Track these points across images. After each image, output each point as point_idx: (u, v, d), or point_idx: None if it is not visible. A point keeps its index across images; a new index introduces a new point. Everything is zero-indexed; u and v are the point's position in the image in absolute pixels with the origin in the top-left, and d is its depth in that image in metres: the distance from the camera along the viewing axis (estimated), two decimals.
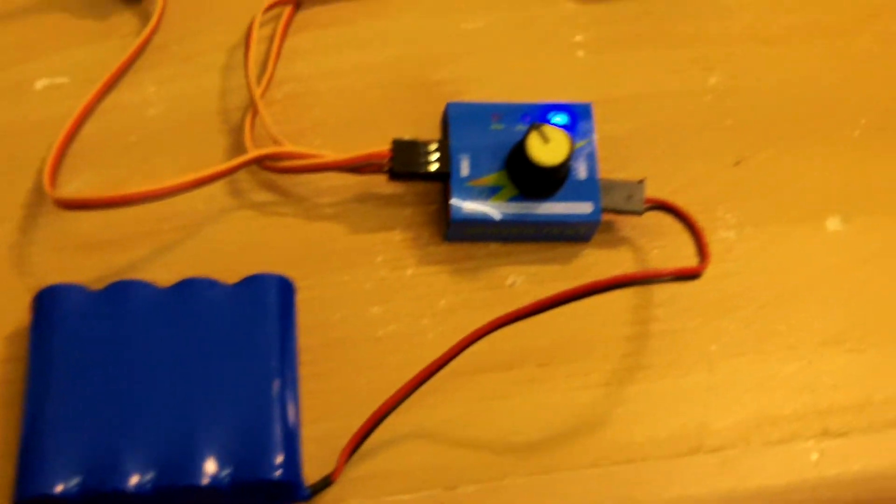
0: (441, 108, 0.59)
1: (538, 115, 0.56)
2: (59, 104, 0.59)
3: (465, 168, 0.55)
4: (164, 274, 0.54)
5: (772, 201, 0.60)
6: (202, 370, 0.50)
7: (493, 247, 0.57)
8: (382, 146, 0.56)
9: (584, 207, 0.55)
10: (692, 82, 0.63)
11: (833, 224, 0.59)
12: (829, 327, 0.57)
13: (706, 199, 0.59)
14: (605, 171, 0.58)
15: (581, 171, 0.56)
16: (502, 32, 0.64)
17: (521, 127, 0.56)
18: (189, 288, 0.52)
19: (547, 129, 0.54)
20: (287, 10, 0.63)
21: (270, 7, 0.62)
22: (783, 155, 0.61)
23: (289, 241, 0.56)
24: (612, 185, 0.56)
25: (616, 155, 0.59)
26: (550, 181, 0.54)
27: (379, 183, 0.57)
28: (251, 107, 0.58)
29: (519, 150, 0.54)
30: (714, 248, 0.57)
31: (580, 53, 0.63)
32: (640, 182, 0.56)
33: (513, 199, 0.55)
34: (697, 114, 0.62)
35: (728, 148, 0.61)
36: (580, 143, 0.56)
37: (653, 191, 0.57)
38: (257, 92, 0.58)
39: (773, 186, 0.60)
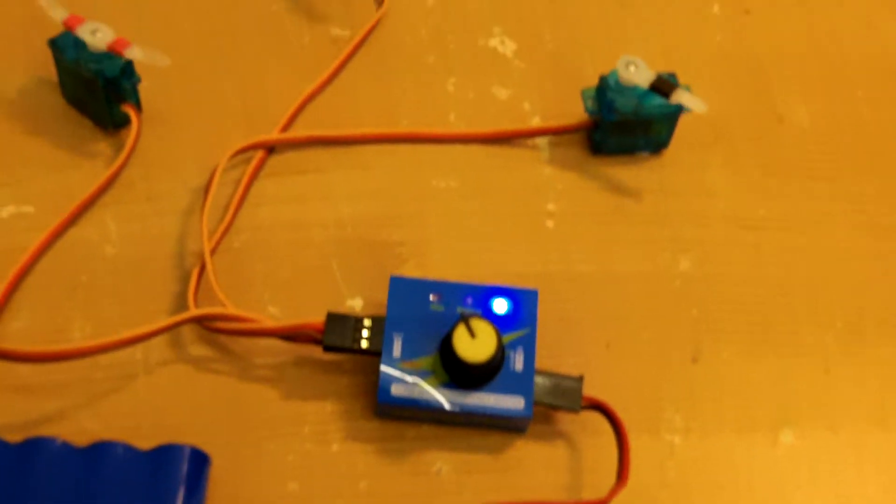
0: (396, 271, 0.59)
1: (481, 298, 0.55)
2: (22, 235, 0.59)
3: (397, 348, 0.54)
4: (90, 424, 0.54)
5: (725, 406, 0.57)
6: None
7: (425, 428, 0.56)
8: (323, 313, 0.55)
9: (515, 402, 0.53)
10: (664, 264, 0.61)
11: (786, 437, 0.57)
12: None
13: (656, 396, 0.57)
14: (554, 357, 0.56)
15: (517, 361, 0.54)
16: (473, 192, 0.62)
17: (462, 309, 0.55)
18: (102, 452, 0.52)
19: (476, 322, 0.52)
20: (259, 153, 0.62)
21: (239, 152, 0.62)
22: (745, 356, 0.58)
23: (219, 402, 0.56)
24: (548, 380, 0.54)
25: (568, 338, 0.58)
26: (477, 375, 0.53)
27: (317, 349, 0.57)
28: (200, 262, 0.58)
29: (447, 340, 0.53)
30: (654, 452, 0.55)
31: (550, 223, 0.62)
32: (579, 379, 0.54)
33: (444, 385, 0.54)
34: (663, 299, 0.60)
35: (688, 341, 0.59)
36: (518, 333, 0.54)
37: (602, 380, 0.55)
38: (208, 247, 0.58)
39: (728, 390, 0.57)
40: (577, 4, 0.70)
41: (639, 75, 0.61)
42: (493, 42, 0.68)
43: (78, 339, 0.57)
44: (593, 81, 0.66)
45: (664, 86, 0.60)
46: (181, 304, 0.58)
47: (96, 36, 0.59)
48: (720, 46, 0.69)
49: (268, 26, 0.68)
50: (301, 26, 0.68)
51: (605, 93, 0.61)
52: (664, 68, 0.65)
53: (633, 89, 0.61)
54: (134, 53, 0.59)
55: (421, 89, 0.66)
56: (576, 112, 0.64)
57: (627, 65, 0.61)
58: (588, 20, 0.69)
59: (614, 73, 0.61)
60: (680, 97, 0.60)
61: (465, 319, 0.52)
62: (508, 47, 0.68)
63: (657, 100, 0.61)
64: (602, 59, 0.68)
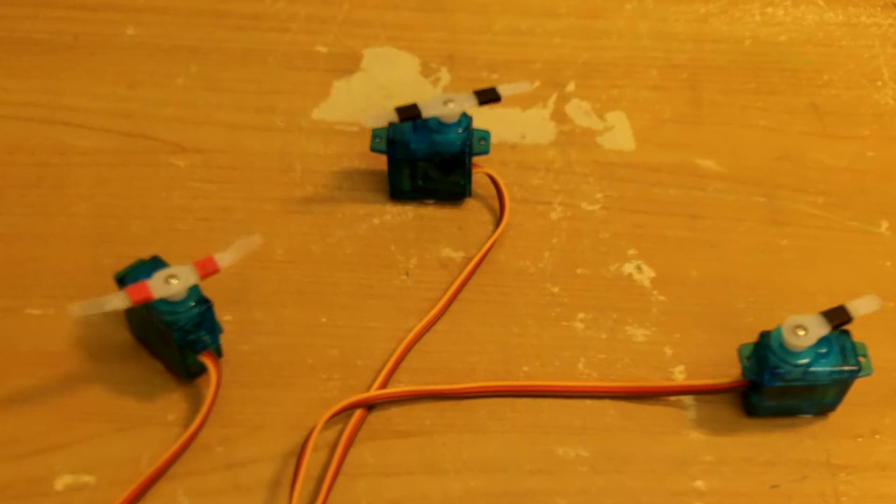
0: None
1: None
2: None
3: None
4: None
5: None
6: None
7: None
8: None
9: None
10: None
11: None
12: None
13: None
14: None
15: None
16: (606, 465, 0.53)
17: None
18: None
19: None
20: (357, 412, 0.54)
21: (337, 413, 0.53)
22: None
23: None
24: None
25: None
26: None
27: None
28: None
29: None
30: None
31: None
32: None
33: None
34: None
35: None
36: None
37: None
38: None
39: None
40: (725, 229, 0.61)
41: (809, 338, 0.51)
42: (629, 268, 0.59)
43: None
44: (745, 320, 0.57)
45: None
46: None
47: (171, 284, 0.51)
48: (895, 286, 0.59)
49: (370, 247, 0.59)
50: (408, 245, 0.59)
51: (767, 356, 0.52)
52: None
53: (800, 353, 0.51)
54: (225, 260, 0.51)
55: (544, 328, 0.57)
56: (726, 358, 0.55)
57: (796, 328, 0.51)
58: (737, 245, 0.60)
59: (778, 332, 0.52)
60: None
61: None
62: (646, 275, 0.59)
63: (828, 364, 0.51)
64: (758, 293, 0.58)
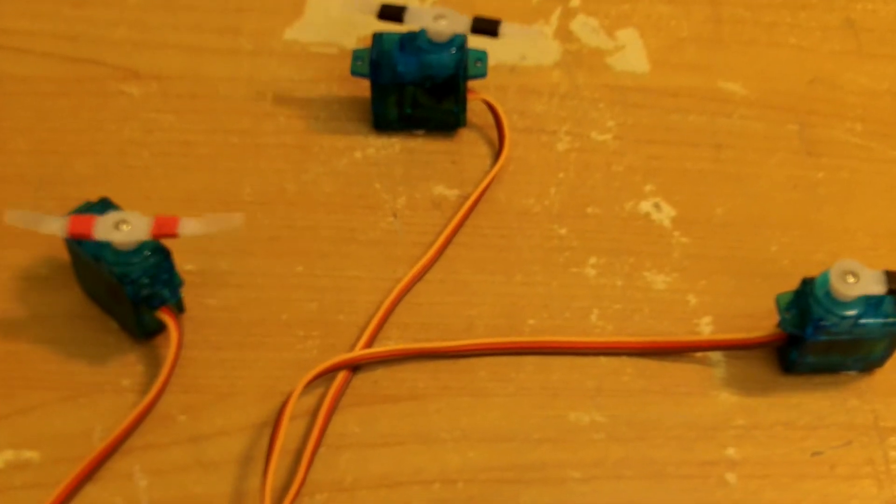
0: None
1: None
2: (21, 494, 0.45)
3: None
4: None
5: None
6: None
7: None
8: None
9: None
10: None
11: None
12: None
13: None
14: None
15: None
16: (626, 433, 0.47)
17: None
18: None
19: None
20: (340, 374, 0.47)
21: (317, 376, 0.46)
22: None
23: None
24: None
25: None
26: None
27: None
28: None
29: None
30: None
31: (731, 477, 0.46)
32: None
33: None
34: None
35: None
36: None
37: None
38: None
39: None
40: (753, 161, 0.54)
41: (860, 287, 0.44)
42: (646, 206, 0.52)
43: None
44: (780, 264, 0.50)
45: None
46: None
47: (122, 230, 0.44)
48: None
49: (352, 185, 0.53)
50: (395, 183, 0.52)
51: (810, 306, 0.45)
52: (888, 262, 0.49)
53: (850, 303, 0.45)
54: (190, 228, 0.45)
55: (551, 275, 0.50)
56: (759, 308, 0.49)
57: (845, 275, 0.44)
58: (768, 179, 0.54)
59: (824, 278, 0.45)
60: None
61: None
62: (666, 213, 0.52)
63: (881, 316, 0.45)
64: (792, 234, 0.52)
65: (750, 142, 0.55)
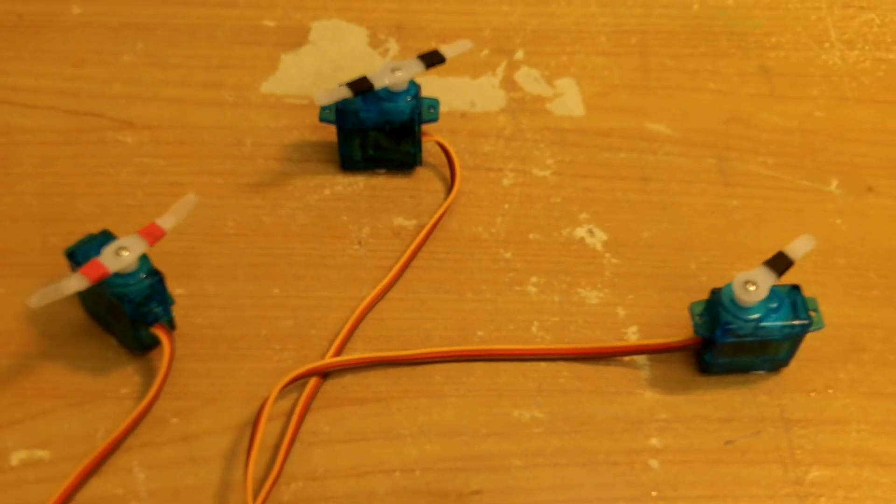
0: None
1: None
2: (34, 488, 0.51)
3: None
4: None
5: None
6: None
7: None
8: None
9: None
10: None
11: None
12: None
13: None
14: None
15: None
16: (562, 426, 0.53)
17: None
18: None
19: None
20: (311, 381, 0.53)
21: (291, 382, 0.53)
22: None
23: None
24: None
25: None
26: None
27: None
28: None
29: None
30: None
31: (654, 463, 0.52)
32: None
33: None
34: None
35: None
36: None
37: None
38: None
39: None
40: (677, 192, 0.61)
41: (759, 294, 0.51)
42: (581, 232, 0.59)
43: None
44: (698, 280, 0.57)
45: None
46: None
47: (122, 256, 0.51)
48: (845, 243, 0.59)
49: (322, 217, 0.59)
50: (360, 215, 0.59)
51: (719, 312, 0.52)
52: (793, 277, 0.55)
53: (752, 308, 0.52)
54: (167, 223, 0.52)
55: (498, 293, 0.57)
56: (679, 319, 0.55)
57: (745, 284, 0.51)
58: (689, 207, 0.60)
59: (728, 288, 0.52)
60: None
61: None
62: (599, 238, 0.59)
63: (780, 319, 0.52)
64: (710, 254, 0.58)
65: (674, 174, 0.61)
